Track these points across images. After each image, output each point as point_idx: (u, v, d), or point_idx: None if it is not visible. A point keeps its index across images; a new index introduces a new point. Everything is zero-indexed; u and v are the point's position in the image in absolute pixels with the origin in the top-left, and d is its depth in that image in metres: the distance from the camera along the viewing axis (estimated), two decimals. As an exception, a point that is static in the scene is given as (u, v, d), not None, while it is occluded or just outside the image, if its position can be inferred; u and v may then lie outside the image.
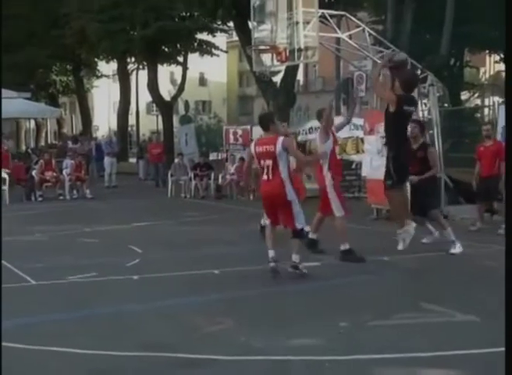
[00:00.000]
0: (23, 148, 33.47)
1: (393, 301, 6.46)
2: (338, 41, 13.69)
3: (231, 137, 19.25)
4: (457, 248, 8.78)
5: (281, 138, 7.36)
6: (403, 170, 8.17)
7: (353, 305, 6.34)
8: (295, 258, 7.44)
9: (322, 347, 5.16)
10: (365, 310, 6.08)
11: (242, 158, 16.97)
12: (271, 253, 7.44)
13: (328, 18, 12.35)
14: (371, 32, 13.29)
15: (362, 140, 13.92)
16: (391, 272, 7.86)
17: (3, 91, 24.19)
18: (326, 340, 5.29)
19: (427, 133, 11.22)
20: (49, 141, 37.80)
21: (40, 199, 16.88)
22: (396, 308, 6.17)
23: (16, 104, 23.94)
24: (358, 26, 13.07)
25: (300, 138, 16.13)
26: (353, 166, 15.65)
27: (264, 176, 7.46)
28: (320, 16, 11.94)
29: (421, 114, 12.35)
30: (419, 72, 12.58)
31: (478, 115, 22.71)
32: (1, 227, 9.75)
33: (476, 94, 33.73)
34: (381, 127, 12.25)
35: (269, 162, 7.35)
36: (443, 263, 8.41)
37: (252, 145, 7.65)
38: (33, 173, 17.31)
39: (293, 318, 5.92)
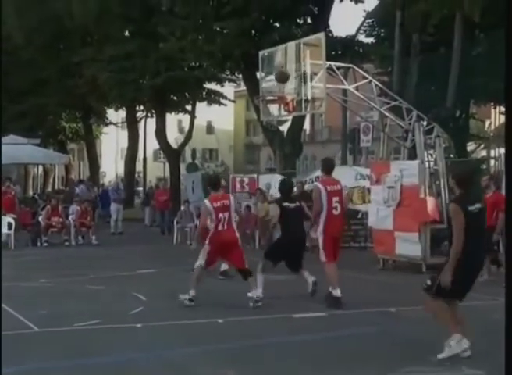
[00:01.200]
0: (30, 193, 33.64)
1: (400, 354, 6.37)
2: (345, 92, 13.88)
3: (237, 185, 19.29)
4: None
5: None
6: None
7: (360, 357, 6.25)
8: (255, 293, 8.52)
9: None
10: (372, 363, 5.99)
11: (248, 207, 16.98)
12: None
13: (336, 70, 12.54)
14: (378, 83, 13.47)
15: (369, 190, 13.95)
16: (397, 323, 7.78)
17: (13, 137, 24.49)
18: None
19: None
20: (56, 187, 38.01)
21: (45, 245, 16.87)
22: (404, 361, 6.08)
23: (25, 150, 24.14)
24: (365, 78, 13.25)
25: (306, 187, 16.16)
26: (360, 216, 15.66)
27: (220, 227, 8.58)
28: (327, 68, 12.12)
29: (427, 165, 12.40)
30: (425, 123, 12.71)
31: (485, 166, 22.78)
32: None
33: (482, 146, 33.91)
34: (387, 177, 12.33)
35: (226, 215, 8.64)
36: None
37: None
38: (40, 218, 17.35)
39: (298, 369, 5.84)
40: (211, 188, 9.25)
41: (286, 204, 9.16)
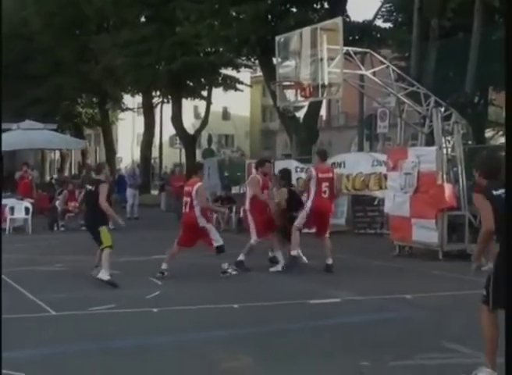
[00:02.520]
0: (47, 178, 33.86)
1: (415, 341, 6.34)
2: (362, 77, 13.76)
3: (253, 171, 19.24)
4: None
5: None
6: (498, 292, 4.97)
7: (375, 343, 6.23)
8: (224, 265, 9.91)
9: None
10: (387, 349, 5.96)
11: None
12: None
13: (353, 55, 12.42)
14: (395, 69, 13.33)
15: (385, 176, 13.85)
16: (413, 310, 7.74)
17: (30, 122, 24.63)
18: (347, 379, 5.20)
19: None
20: (73, 172, 38.20)
21: (62, 229, 16.99)
22: (419, 347, 6.05)
23: (41, 135, 24.30)
24: (382, 63, 13.12)
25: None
26: (376, 203, 15.58)
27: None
28: (344, 53, 12.01)
29: (444, 151, 12.29)
30: (443, 109, 12.58)
31: (503, 153, 22.51)
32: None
33: (500, 133, 33.54)
34: (404, 164, 12.24)
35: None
36: (467, 302, 8.25)
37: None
38: (57, 203, 17.45)
39: (313, 355, 5.83)
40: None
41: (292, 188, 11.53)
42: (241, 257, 10.56)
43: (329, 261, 10.34)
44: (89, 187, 9.83)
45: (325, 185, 10.47)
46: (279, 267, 10.52)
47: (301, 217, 10.45)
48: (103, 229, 9.62)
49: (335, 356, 5.79)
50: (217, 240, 9.99)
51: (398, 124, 13.73)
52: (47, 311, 7.47)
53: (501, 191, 5.11)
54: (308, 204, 10.46)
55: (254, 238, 10.66)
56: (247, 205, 11.04)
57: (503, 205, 4.92)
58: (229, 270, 9.99)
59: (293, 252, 10.34)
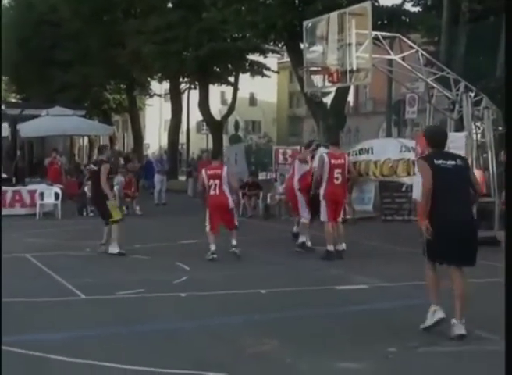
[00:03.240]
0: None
1: (442, 328, 6.30)
2: (390, 62, 13.62)
3: (280, 157, 19.23)
4: None
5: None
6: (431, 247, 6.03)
7: (402, 330, 6.21)
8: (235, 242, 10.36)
9: (370, 371, 5.07)
10: (414, 336, 5.95)
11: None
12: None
13: (381, 40, 12.30)
14: (425, 53, 13.17)
15: (413, 162, 13.72)
16: (441, 297, 7.68)
17: (59, 108, 24.85)
18: (374, 364, 5.20)
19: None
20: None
21: (91, 214, 17.13)
22: (446, 334, 6.01)
23: (70, 121, 24.49)
24: (411, 48, 12.96)
25: (350, 159, 16.01)
26: (404, 189, 15.46)
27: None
28: (373, 38, 11.89)
29: (474, 137, 12.14)
30: (473, 94, 12.41)
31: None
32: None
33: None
34: (433, 150, 12.10)
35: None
36: (495, 289, 8.17)
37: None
38: (86, 188, 17.62)
39: (339, 341, 5.84)
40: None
41: None
42: (302, 238, 10.84)
43: (341, 247, 10.37)
44: (93, 167, 10.88)
45: (337, 171, 10.47)
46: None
47: (323, 210, 10.39)
48: (110, 203, 10.41)
49: (361, 342, 5.79)
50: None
51: (427, 110, 13.58)
52: (77, 295, 7.58)
53: (441, 161, 5.83)
54: (321, 192, 10.42)
55: (305, 216, 11.02)
56: (296, 184, 11.18)
57: (441, 174, 5.74)
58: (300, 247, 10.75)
59: (329, 247, 10.26)
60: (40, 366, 5.14)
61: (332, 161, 10.48)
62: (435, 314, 5.99)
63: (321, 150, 12.61)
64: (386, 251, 11.19)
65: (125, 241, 10.78)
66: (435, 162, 5.79)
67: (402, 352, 5.47)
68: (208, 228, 10.32)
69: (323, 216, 10.40)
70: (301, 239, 11.04)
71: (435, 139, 6.11)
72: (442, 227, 5.74)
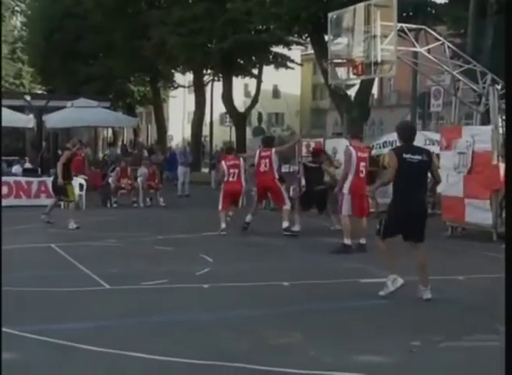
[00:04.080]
0: (100, 155, 34.44)
1: (466, 322, 6.27)
2: (415, 54, 13.51)
3: (304, 149, 19.16)
4: None
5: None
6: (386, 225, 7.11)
7: (425, 323, 6.19)
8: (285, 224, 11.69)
9: (393, 365, 5.06)
10: (438, 330, 5.92)
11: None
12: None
13: (407, 32, 12.20)
14: (451, 46, 13.04)
15: (438, 155, 13.62)
16: (465, 292, 7.64)
17: (84, 100, 25.04)
18: (397, 358, 5.19)
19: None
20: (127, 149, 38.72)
21: (115, 206, 17.29)
22: (469, 329, 5.98)
23: (95, 113, 24.66)
24: (437, 40, 12.84)
25: (374, 152, 15.92)
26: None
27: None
28: (398, 30, 11.80)
29: (501, 130, 11.99)
30: (500, 87, 12.26)
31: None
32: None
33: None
34: (458, 143, 12.01)
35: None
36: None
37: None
38: (110, 180, 17.76)
39: (363, 333, 5.83)
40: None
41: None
42: (347, 241, 10.22)
43: (364, 240, 10.24)
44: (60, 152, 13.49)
45: (362, 165, 10.39)
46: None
47: (345, 204, 10.24)
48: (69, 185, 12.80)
49: (385, 335, 5.77)
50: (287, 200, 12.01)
51: (452, 102, 13.45)
52: (101, 285, 7.64)
53: (409, 156, 6.66)
54: (346, 186, 10.23)
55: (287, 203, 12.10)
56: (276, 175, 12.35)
57: (406, 167, 6.62)
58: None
59: (347, 241, 10.17)
60: (67, 355, 5.20)
61: (359, 154, 10.40)
62: (395, 281, 6.91)
63: (343, 141, 12.65)
64: (409, 245, 11.11)
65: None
66: (404, 155, 6.68)
67: (425, 346, 5.45)
68: (220, 208, 12.09)
69: (345, 209, 10.26)
70: (285, 224, 11.82)
71: (406, 134, 6.91)
72: (400, 213, 6.86)
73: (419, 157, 6.71)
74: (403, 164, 6.65)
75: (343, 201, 10.28)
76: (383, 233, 7.01)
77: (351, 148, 10.54)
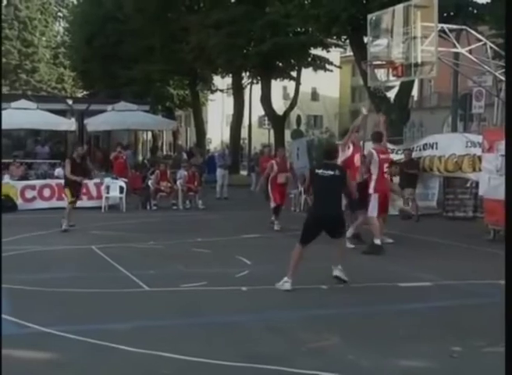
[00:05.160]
0: (140, 158, 34.81)
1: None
2: (456, 55, 13.33)
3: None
4: None
5: None
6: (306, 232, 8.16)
7: (466, 328, 6.09)
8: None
9: (434, 370, 4.98)
10: (478, 335, 5.82)
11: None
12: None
13: (448, 32, 12.06)
14: (493, 46, 12.83)
15: (479, 158, 13.41)
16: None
17: (124, 103, 25.36)
18: (438, 363, 5.11)
19: None
20: (165, 152, 39.06)
21: (154, 208, 17.44)
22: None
23: (135, 116, 24.97)
24: (479, 40, 12.66)
25: (414, 155, 15.76)
26: (468, 185, 15.12)
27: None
28: (439, 31, 11.67)
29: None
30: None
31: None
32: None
33: None
34: (501, 145, 11.79)
35: None
36: None
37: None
38: (149, 182, 17.92)
39: (402, 338, 5.76)
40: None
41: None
42: (377, 241, 10.30)
43: (378, 241, 10.25)
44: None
45: (385, 166, 10.65)
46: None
47: (373, 204, 10.40)
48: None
49: (425, 340, 5.69)
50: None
51: (495, 104, 13.25)
52: (140, 286, 7.71)
53: (321, 171, 7.91)
54: (372, 186, 10.44)
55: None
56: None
57: (319, 180, 7.91)
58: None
59: (377, 241, 10.24)
60: (105, 356, 5.26)
61: (381, 155, 10.61)
62: (285, 284, 7.59)
63: (368, 145, 12.56)
64: (449, 248, 10.98)
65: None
66: (316, 171, 8.00)
67: (467, 352, 5.36)
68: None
69: (372, 210, 10.41)
70: (376, 241, 10.50)
71: (325, 153, 8.25)
72: (315, 218, 7.93)
73: (331, 172, 7.85)
74: (316, 178, 7.95)
75: (370, 201, 10.44)
76: (303, 240, 7.94)
77: (372, 150, 10.78)
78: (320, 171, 7.96)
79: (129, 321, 6.20)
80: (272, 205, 13.41)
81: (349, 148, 11.03)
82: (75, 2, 42.34)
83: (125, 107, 25.03)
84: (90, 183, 17.24)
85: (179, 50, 30.53)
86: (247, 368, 4.95)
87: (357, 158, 11.10)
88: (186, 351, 5.24)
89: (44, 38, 53.97)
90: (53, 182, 17.15)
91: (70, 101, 27.39)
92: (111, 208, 16.90)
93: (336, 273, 7.98)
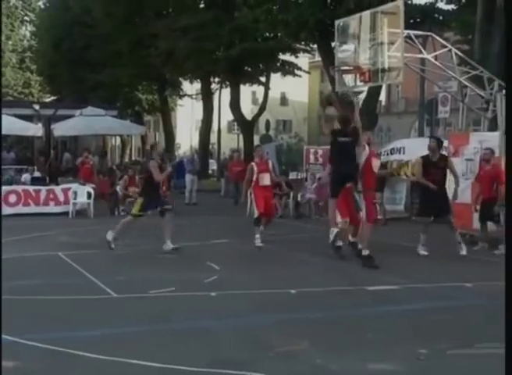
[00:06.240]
0: (108, 163, 34.54)
1: (475, 330, 6.23)
2: (423, 61, 13.50)
3: (311, 156, 19.19)
4: (464, 251, 10.30)
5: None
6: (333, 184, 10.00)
7: (433, 331, 6.15)
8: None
9: (400, 373, 5.02)
10: (445, 337, 5.89)
11: (320, 179, 16.89)
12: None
13: (414, 38, 12.21)
14: (458, 52, 13.03)
15: (446, 162, 13.56)
16: (473, 299, 7.60)
17: (92, 108, 25.14)
18: (404, 366, 5.15)
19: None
20: (133, 158, 38.83)
21: (122, 214, 17.24)
22: (478, 336, 5.94)
23: (103, 121, 24.77)
24: (444, 47, 12.84)
25: (382, 159, 15.88)
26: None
27: None
28: (405, 37, 11.80)
29: (508, 136, 11.94)
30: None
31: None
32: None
33: None
34: (466, 149, 11.97)
35: None
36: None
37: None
38: (117, 188, 17.77)
39: (370, 341, 5.80)
40: None
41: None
42: (339, 243, 10.16)
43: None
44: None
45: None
46: None
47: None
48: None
49: (392, 343, 5.74)
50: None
51: (460, 109, 13.44)
52: (108, 293, 7.64)
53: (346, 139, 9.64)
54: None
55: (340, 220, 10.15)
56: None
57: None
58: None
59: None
60: (73, 364, 5.20)
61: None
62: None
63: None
64: (416, 252, 11.08)
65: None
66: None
67: (433, 354, 5.41)
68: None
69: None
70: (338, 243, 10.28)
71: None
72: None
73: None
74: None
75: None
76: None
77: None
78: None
79: (97, 328, 6.13)
80: (256, 214, 11.56)
81: (364, 148, 10.20)
82: (42, 6, 41.89)
83: (93, 112, 24.81)
84: (57, 189, 17.06)
85: (148, 55, 30.42)
86: (215, 373, 4.94)
87: (374, 164, 10.29)
88: (155, 357, 5.20)
89: (10, 42, 53.27)
90: (19, 188, 16.92)
91: (37, 106, 27.06)
92: (78, 214, 16.72)
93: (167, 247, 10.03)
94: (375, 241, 10.49)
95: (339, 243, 10.17)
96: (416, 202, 16.05)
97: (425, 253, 10.62)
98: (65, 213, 16.44)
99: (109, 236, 10.94)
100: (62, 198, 16.94)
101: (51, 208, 16.50)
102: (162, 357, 5.23)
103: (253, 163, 11.87)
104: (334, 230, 9.95)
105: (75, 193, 16.90)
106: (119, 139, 40.06)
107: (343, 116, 10.54)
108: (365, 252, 9.63)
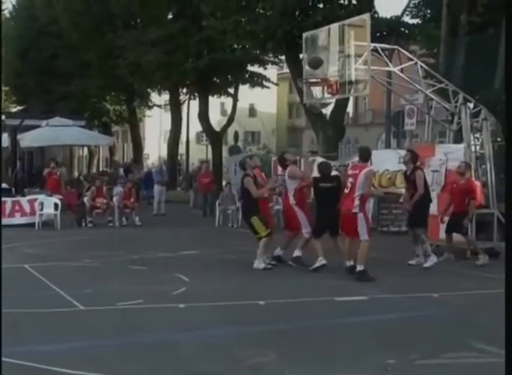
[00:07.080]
0: (76, 174, 34.20)
1: (442, 340, 6.29)
2: (389, 74, 13.67)
3: (279, 168, 19.22)
4: (430, 262, 10.39)
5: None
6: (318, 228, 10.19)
7: (401, 342, 6.19)
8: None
9: (369, 384, 5.05)
10: (413, 348, 5.93)
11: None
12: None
13: (380, 51, 12.36)
14: (423, 65, 13.22)
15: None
16: (439, 309, 7.69)
17: (59, 119, 24.91)
18: (373, 377, 5.18)
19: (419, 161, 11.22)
20: (101, 168, 38.52)
21: (90, 225, 17.14)
22: (445, 346, 6.01)
23: (70, 131, 24.54)
24: (410, 60, 13.03)
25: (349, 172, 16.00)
26: (401, 200, 15.43)
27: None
28: (372, 50, 11.95)
29: (473, 148, 12.16)
30: (472, 106, 12.47)
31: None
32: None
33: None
34: (432, 161, 12.14)
35: None
36: (494, 301, 8.17)
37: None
38: (85, 199, 17.61)
39: (338, 353, 5.82)
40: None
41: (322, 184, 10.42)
42: (297, 252, 10.33)
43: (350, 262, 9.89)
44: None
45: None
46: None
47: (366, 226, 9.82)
48: (254, 219, 10.55)
49: (360, 354, 5.77)
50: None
51: (426, 121, 13.63)
52: (75, 306, 7.55)
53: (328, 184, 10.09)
54: (357, 204, 9.66)
55: (306, 230, 10.32)
56: (292, 200, 10.52)
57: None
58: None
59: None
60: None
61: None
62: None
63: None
64: (384, 263, 11.18)
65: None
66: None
67: (400, 364, 5.45)
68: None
69: (367, 232, 9.72)
70: (297, 253, 10.36)
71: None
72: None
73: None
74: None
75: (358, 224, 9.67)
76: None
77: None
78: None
79: (63, 342, 6.05)
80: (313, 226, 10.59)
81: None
82: (7, 16, 41.44)
83: (60, 122, 24.59)
84: (23, 200, 16.85)
85: (116, 65, 30.29)
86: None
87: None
88: (123, 371, 5.16)
89: (-26, 51, 52.55)
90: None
91: (3, 116, 26.68)
92: (45, 226, 16.52)
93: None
94: (343, 253, 10.55)
95: (299, 253, 10.36)
96: (384, 213, 16.27)
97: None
98: (32, 224, 16.23)
99: (258, 264, 10.23)
100: (28, 209, 16.73)
101: (17, 219, 16.27)
102: (131, 370, 5.19)
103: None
104: (322, 259, 9.93)
105: (41, 204, 16.70)
106: (86, 150, 39.69)
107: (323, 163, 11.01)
108: (360, 268, 9.46)
